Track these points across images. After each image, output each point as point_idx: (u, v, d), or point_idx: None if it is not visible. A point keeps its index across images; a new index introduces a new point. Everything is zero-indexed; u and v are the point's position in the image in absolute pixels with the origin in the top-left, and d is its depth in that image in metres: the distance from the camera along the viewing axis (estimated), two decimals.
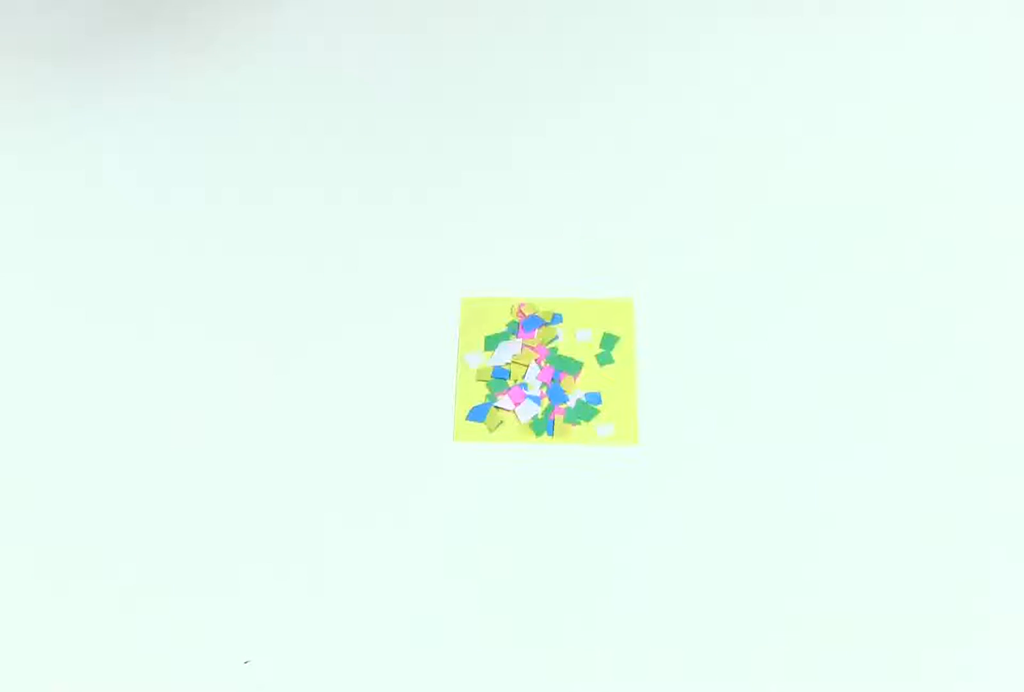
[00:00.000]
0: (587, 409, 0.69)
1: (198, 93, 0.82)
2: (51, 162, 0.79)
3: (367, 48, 0.83)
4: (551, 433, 0.68)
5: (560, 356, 0.71)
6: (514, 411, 0.69)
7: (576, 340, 0.71)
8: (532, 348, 0.71)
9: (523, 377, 0.70)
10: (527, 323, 0.72)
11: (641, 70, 0.83)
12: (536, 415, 0.69)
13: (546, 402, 0.69)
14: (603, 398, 0.69)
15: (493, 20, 0.86)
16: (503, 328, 0.72)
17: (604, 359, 0.71)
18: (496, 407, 0.69)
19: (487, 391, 0.70)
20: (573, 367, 0.70)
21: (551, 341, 0.71)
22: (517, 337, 0.72)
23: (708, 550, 0.64)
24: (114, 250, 0.76)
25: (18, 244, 0.76)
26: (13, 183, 0.79)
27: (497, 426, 0.69)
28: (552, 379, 0.70)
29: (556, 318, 0.72)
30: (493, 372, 0.70)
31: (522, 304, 0.73)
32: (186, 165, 0.78)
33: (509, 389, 0.70)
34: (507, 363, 0.71)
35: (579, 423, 0.69)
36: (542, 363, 0.71)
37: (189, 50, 0.84)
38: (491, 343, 0.71)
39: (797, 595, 0.63)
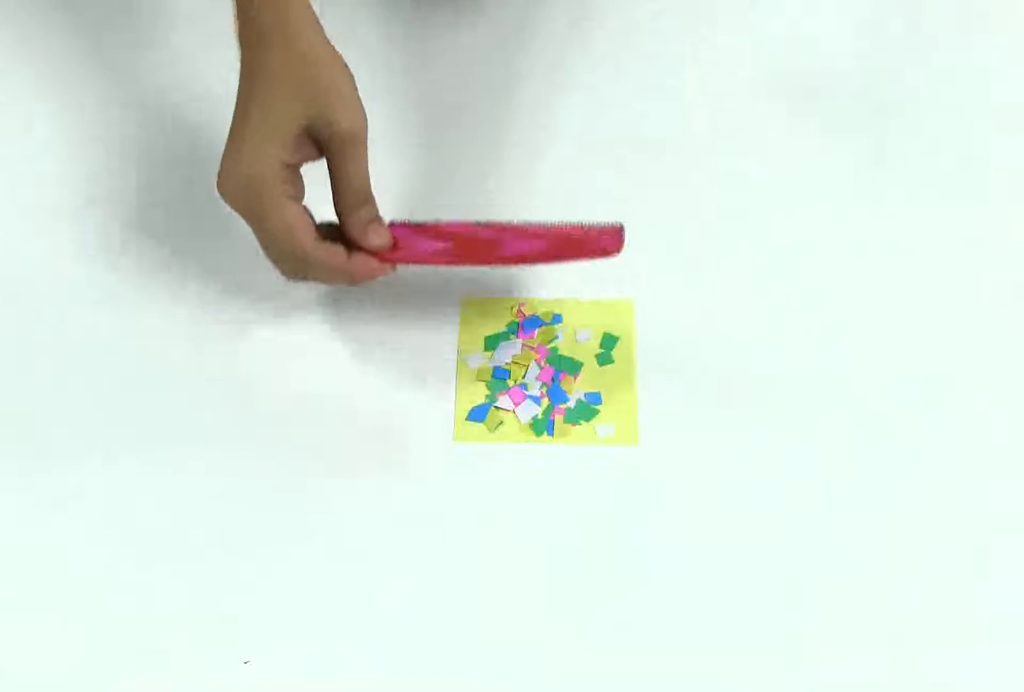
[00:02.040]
0: (587, 409, 0.69)
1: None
2: None
3: (365, 45, 0.83)
4: (551, 433, 0.68)
5: (560, 356, 0.71)
6: (514, 411, 0.69)
7: (576, 340, 0.71)
8: (532, 348, 0.71)
9: (523, 377, 0.70)
10: (527, 323, 0.72)
11: (641, 68, 0.83)
12: (536, 415, 0.69)
13: (546, 402, 0.69)
14: (603, 398, 0.69)
15: (493, 20, 0.87)
16: (503, 328, 0.72)
17: (604, 359, 0.71)
18: (496, 407, 0.69)
19: (487, 391, 0.70)
20: (573, 367, 0.70)
21: (551, 341, 0.71)
22: (517, 337, 0.72)
23: (709, 551, 0.64)
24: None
25: None
26: None
27: (497, 426, 0.69)
28: (552, 379, 0.70)
29: (556, 318, 0.72)
30: (493, 372, 0.70)
31: (522, 304, 0.73)
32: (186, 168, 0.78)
33: (509, 389, 0.70)
34: (507, 363, 0.71)
35: (579, 423, 0.69)
36: (542, 363, 0.71)
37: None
38: (491, 343, 0.71)
39: (798, 596, 0.63)
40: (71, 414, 0.70)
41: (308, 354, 0.71)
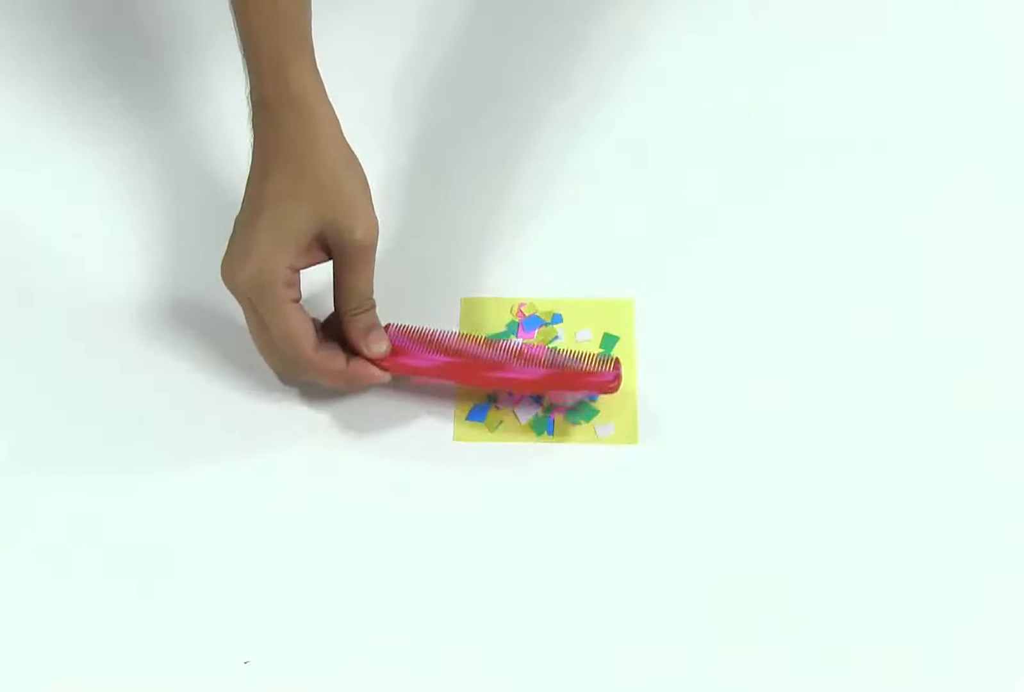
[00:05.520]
0: (587, 409, 0.69)
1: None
2: None
3: (361, 45, 0.84)
4: (551, 433, 0.68)
5: None
6: (514, 411, 0.69)
7: (576, 340, 0.71)
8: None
9: None
10: (527, 323, 0.72)
11: (642, 67, 0.83)
12: (536, 415, 0.69)
13: (546, 402, 0.69)
14: (603, 398, 0.69)
15: (490, 19, 0.87)
16: (503, 328, 0.72)
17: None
18: (496, 407, 0.69)
19: (487, 391, 0.70)
20: None
21: (551, 341, 0.71)
22: (517, 337, 0.71)
23: (709, 550, 0.64)
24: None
25: None
26: None
27: (497, 426, 0.69)
28: None
29: (556, 318, 0.72)
30: None
31: (522, 304, 0.73)
32: None
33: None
34: None
35: (579, 423, 0.69)
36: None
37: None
38: None
39: (799, 595, 0.63)
40: (75, 422, 0.70)
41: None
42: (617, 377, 0.66)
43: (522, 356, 0.68)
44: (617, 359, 0.67)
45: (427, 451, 0.68)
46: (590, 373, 0.66)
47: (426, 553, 0.65)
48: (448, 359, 0.67)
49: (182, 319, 0.73)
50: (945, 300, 0.72)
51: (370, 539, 0.65)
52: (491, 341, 0.69)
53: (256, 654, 0.62)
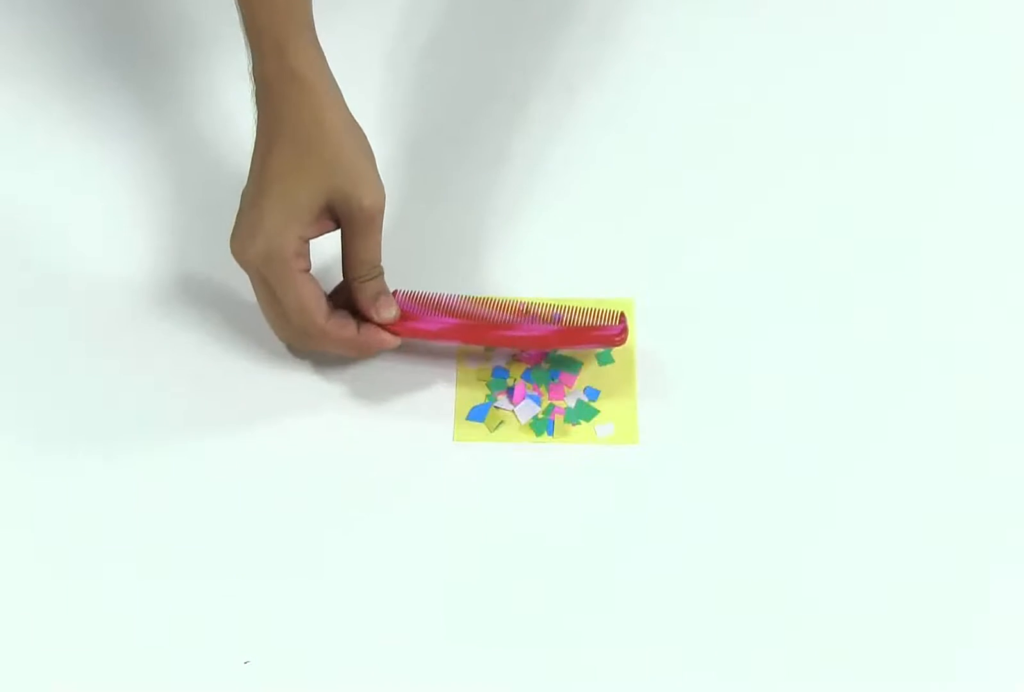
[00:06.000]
0: (587, 409, 0.69)
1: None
2: None
3: (360, 45, 0.83)
4: (551, 433, 0.68)
5: (560, 356, 0.71)
6: (514, 411, 0.69)
7: None
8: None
9: (523, 377, 0.70)
10: None
11: (642, 67, 0.83)
12: (536, 415, 0.69)
13: (546, 402, 0.69)
14: (603, 397, 0.69)
15: (490, 19, 0.87)
16: None
17: (604, 359, 0.71)
18: (496, 407, 0.69)
19: (487, 391, 0.70)
20: (573, 367, 0.70)
21: None
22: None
23: (709, 550, 0.64)
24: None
25: None
26: None
27: (497, 426, 0.69)
28: (552, 379, 0.70)
29: (556, 318, 0.72)
30: (493, 372, 0.70)
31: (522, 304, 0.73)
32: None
33: (509, 389, 0.70)
34: (507, 363, 0.71)
35: (579, 423, 0.69)
36: (543, 363, 0.70)
37: None
38: None
39: (799, 595, 0.63)
40: (76, 413, 0.70)
41: (307, 354, 0.71)
42: (624, 330, 0.67)
43: (529, 314, 0.68)
44: (623, 313, 0.68)
45: (427, 451, 0.68)
46: (597, 327, 0.67)
47: (426, 553, 0.65)
48: (457, 321, 0.68)
49: (181, 316, 0.73)
50: (945, 300, 0.72)
51: (370, 539, 0.65)
52: (498, 302, 0.69)
53: (256, 654, 0.62)
